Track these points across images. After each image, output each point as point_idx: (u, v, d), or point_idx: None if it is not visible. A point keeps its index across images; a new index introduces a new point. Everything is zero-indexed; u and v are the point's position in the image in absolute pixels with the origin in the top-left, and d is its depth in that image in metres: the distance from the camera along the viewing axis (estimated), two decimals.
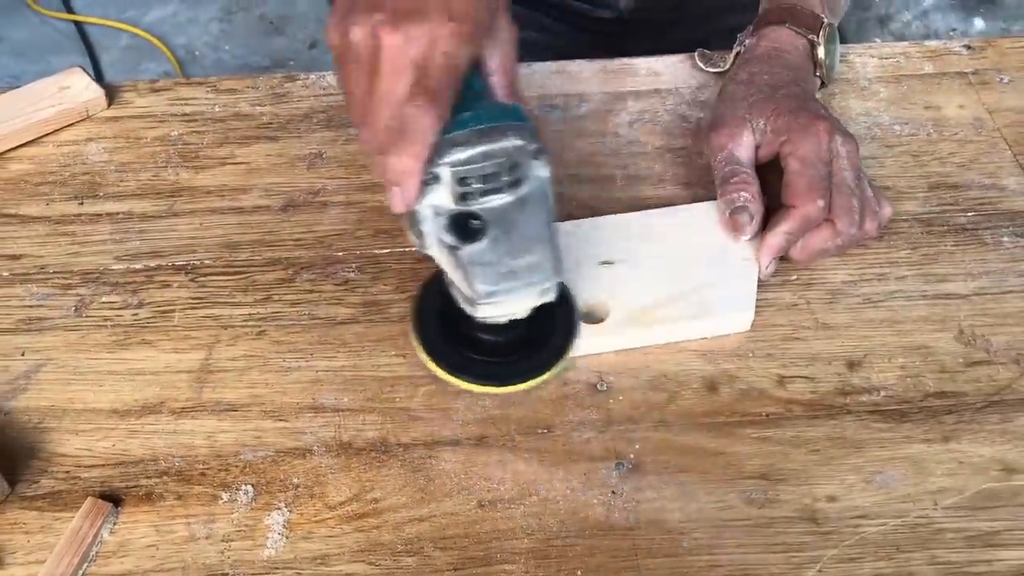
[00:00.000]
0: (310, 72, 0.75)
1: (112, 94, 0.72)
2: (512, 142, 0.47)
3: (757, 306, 0.61)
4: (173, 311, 0.60)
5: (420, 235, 0.50)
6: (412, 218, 0.50)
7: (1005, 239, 0.65)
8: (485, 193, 0.48)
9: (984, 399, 0.57)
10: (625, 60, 0.76)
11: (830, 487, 0.53)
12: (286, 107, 0.72)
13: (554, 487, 0.53)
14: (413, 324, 0.56)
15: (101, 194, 0.67)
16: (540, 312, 0.53)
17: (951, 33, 2.08)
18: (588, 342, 0.58)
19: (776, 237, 0.60)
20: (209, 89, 0.73)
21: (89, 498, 0.52)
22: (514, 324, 0.53)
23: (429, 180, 0.47)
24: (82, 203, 0.66)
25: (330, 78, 0.74)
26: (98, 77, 2.00)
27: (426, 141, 0.46)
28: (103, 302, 0.61)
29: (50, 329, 0.59)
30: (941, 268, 0.63)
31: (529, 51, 0.89)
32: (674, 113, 0.72)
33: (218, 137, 0.70)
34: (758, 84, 0.66)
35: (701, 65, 0.75)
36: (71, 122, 0.70)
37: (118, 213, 0.66)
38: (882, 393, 0.57)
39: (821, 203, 0.60)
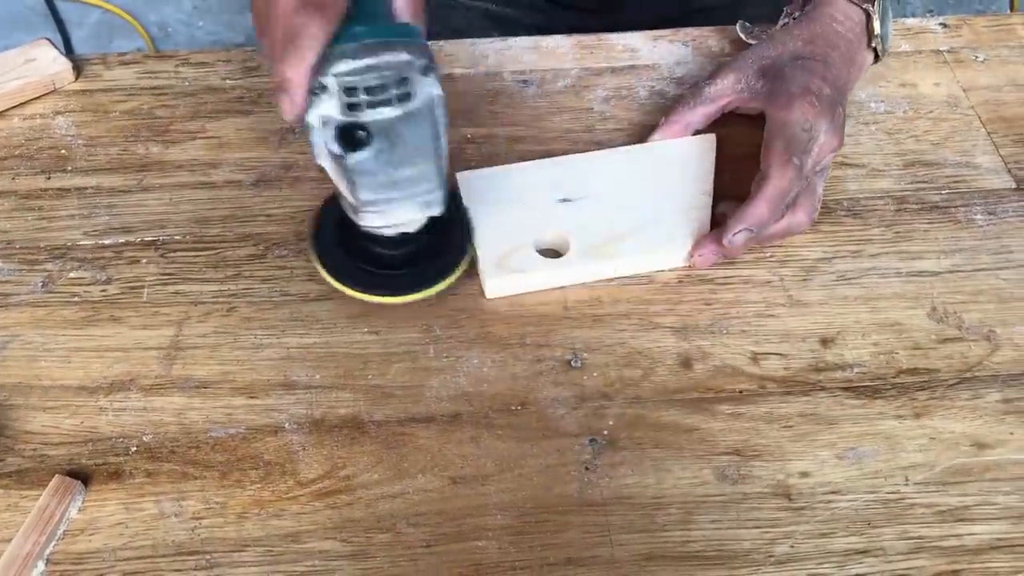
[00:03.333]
0: None
1: (80, 67, 0.71)
2: (400, 57, 0.49)
3: (731, 282, 0.61)
4: (142, 287, 0.60)
5: (312, 145, 0.52)
6: (304, 128, 0.52)
7: (978, 217, 0.65)
8: (372, 105, 0.50)
9: (956, 375, 0.57)
10: (602, 36, 0.75)
11: (803, 463, 0.54)
12: (258, 80, 0.71)
13: (528, 463, 0.53)
14: (311, 241, 0.58)
15: (69, 168, 0.65)
16: (440, 232, 0.57)
17: (927, 14, 2.08)
18: (550, 275, 0.60)
19: (753, 205, 0.60)
20: (180, 62, 0.72)
21: (56, 476, 0.51)
22: (406, 238, 0.55)
23: (317, 90, 0.50)
24: (49, 177, 0.65)
25: None
26: (69, 53, 1.99)
27: (311, 50, 0.49)
28: (71, 278, 0.60)
29: (16, 305, 0.58)
30: (915, 246, 0.63)
31: (508, 27, 0.89)
32: (651, 89, 0.72)
33: (188, 111, 0.69)
34: (782, 45, 0.66)
35: (742, 36, 0.73)
36: (37, 95, 0.69)
37: (86, 188, 0.64)
38: (855, 370, 0.57)
39: (796, 162, 0.59)
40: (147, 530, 0.50)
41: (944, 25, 0.78)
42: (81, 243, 0.61)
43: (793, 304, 0.60)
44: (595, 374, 0.57)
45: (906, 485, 0.53)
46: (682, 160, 0.65)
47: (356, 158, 0.51)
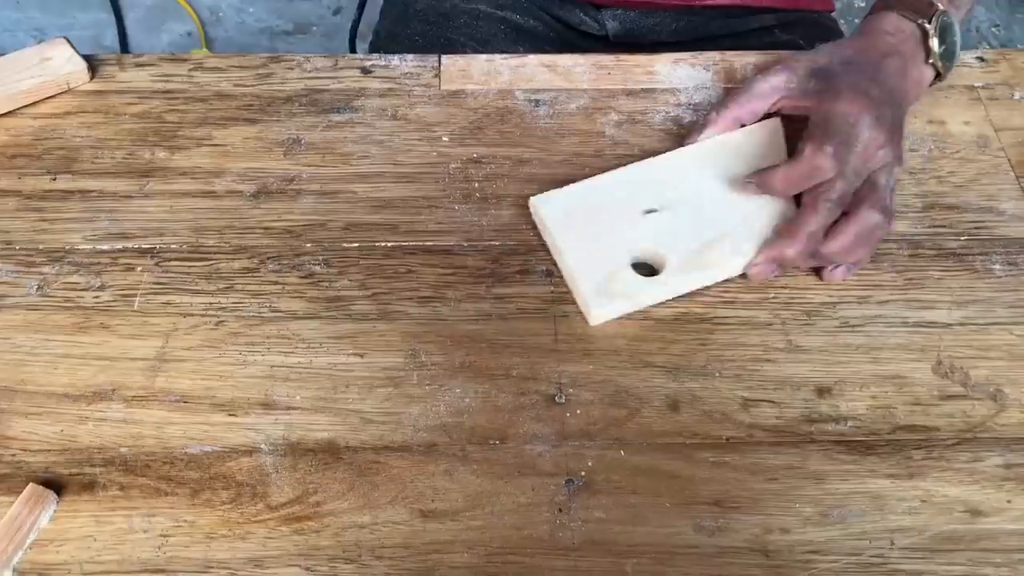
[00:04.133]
0: (296, 53, 0.74)
1: (95, 67, 0.71)
2: None
3: (729, 323, 0.59)
4: (134, 295, 0.60)
5: None
6: None
7: (996, 267, 0.62)
8: None
9: (956, 435, 0.55)
10: (621, 56, 0.74)
11: (785, 519, 0.52)
12: (269, 88, 0.71)
13: (500, 501, 0.52)
14: None
15: (75, 170, 0.66)
16: None
17: (993, 29, 2.01)
18: (654, 294, 0.59)
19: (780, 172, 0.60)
20: (194, 66, 0.72)
21: (31, 484, 0.51)
22: None
23: None
24: (55, 178, 0.65)
25: (316, 61, 0.72)
26: (122, 34, 2.01)
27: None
28: (66, 282, 0.60)
29: (10, 308, 0.59)
30: (926, 294, 0.61)
31: (534, 42, 0.88)
32: (666, 115, 0.70)
33: (198, 117, 0.69)
34: (834, 53, 0.65)
35: None
36: (51, 94, 0.69)
37: (91, 191, 0.65)
38: (850, 423, 0.55)
39: (830, 149, 0.58)
40: (115, 544, 0.50)
41: (981, 59, 0.74)
42: (79, 247, 0.62)
43: (792, 350, 0.58)
44: (578, 411, 0.56)
45: (891, 549, 0.51)
46: (754, 150, 0.64)
47: None
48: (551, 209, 0.62)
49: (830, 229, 0.59)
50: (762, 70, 0.66)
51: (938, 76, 0.67)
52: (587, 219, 0.61)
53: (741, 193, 0.62)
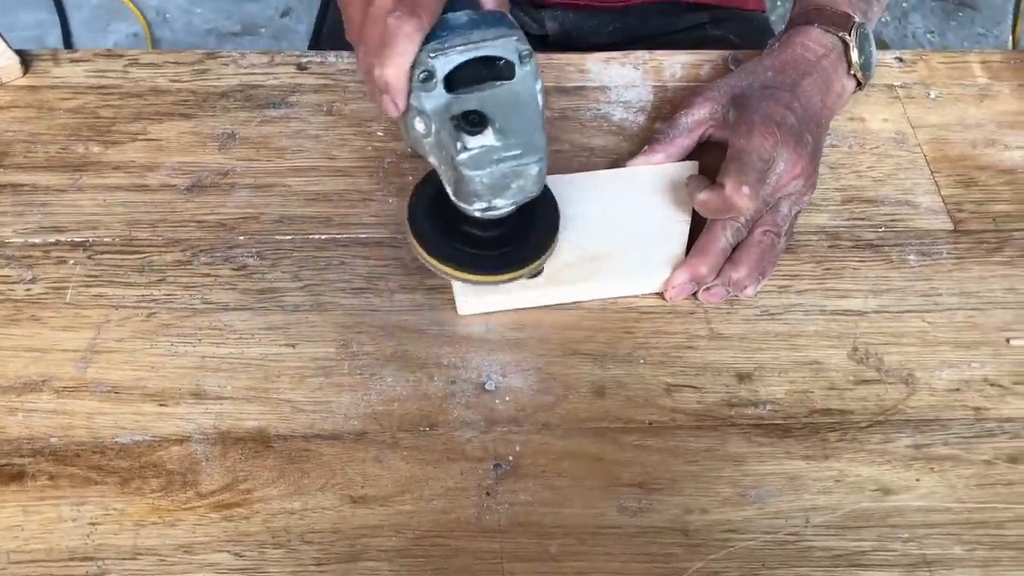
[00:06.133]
0: (250, 48, 0.74)
1: (29, 62, 0.71)
2: (499, 40, 0.51)
3: (654, 312, 0.61)
4: (66, 288, 0.60)
5: (415, 139, 0.54)
6: (406, 125, 0.53)
7: (911, 257, 0.65)
8: (479, 90, 0.52)
9: (869, 418, 0.57)
10: (552, 55, 0.75)
11: (704, 499, 0.54)
12: (204, 84, 0.71)
13: (429, 486, 0.53)
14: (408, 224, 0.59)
15: (7, 164, 0.66)
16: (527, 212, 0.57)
17: (928, 35, 2.07)
18: (522, 296, 0.60)
19: (701, 195, 0.61)
20: (129, 62, 0.72)
21: None
22: (503, 219, 0.56)
23: (420, 83, 0.51)
24: None
25: (252, 57, 0.73)
26: (66, 35, 1.99)
27: (408, 50, 0.50)
28: None
29: None
30: (843, 284, 0.63)
31: None
32: (596, 112, 0.72)
33: (133, 112, 0.69)
34: (754, 75, 0.67)
35: (732, 68, 0.74)
36: None
37: (23, 185, 0.65)
38: (768, 407, 0.57)
39: (746, 190, 0.59)
40: (43, 534, 0.51)
41: (900, 60, 0.77)
42: (11, 240, 0.62)
43: (714, 337, 0.60)
44: (507, 398, 0.57)
45: (806, 527, 0.53)
46: (664, 186, 0.65)
47: (479, 142, 0.51)
48: None
49: (733, 253, 0.61)
50: (686, 103, 0.68)
51: (859, 85, 0.70)
52: None
53: (635, 220, 0.63)
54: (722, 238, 0.61)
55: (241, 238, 0.63)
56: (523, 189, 0.54)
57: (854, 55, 0.68)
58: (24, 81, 0.71)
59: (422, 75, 0.51)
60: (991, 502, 0.54)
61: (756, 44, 0.77)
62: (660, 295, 0.62)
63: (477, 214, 0.54)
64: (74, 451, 0.53)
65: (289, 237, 0.63)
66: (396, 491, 0.53)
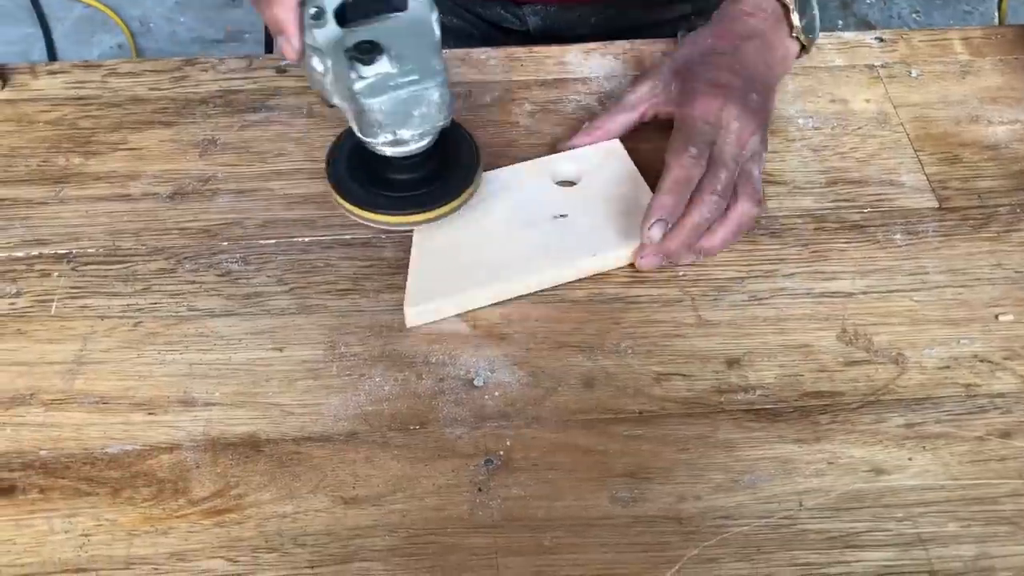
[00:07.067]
0: (238, 54, 0.74)
1: (7, 76, 0.71)
2: None
3: (640, 302, 0.61)
4: (51, 301, 0.60)
5: (315, 78, 0.55)
6: (305, 62, 0.54)
7: (897, 236, 0.65)
8: (370, 20, 0.53)
9: (860, 399, 0.57)
10: (533, 48, 0.75)
11: (697, 486, 0.54)
12: (184, 91, 0.71)
13: (421, 484, 0.53)
14: (327, 169, 0.61)
15: None
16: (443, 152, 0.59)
17: (914, 15, 2.07)
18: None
19: (656, 198, 0.60)
20: (108, 72, 0.72)
21: None
22: (418, 157, 0.57)
23: (313, 20, 0.52)
24: None
25: (231, 62, 0.73)
26: (50, 47, 1.98)
27: None
28: None
29: None
30: (830, 266, 0.63)
31: (462, 39, 0.89)
32: (577, 103, 0.72)
33: (113, 122, 0.69)
34: (695, 45, 0.67)
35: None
36: None
37: (4, 199, 0.65)
38: (758, 392, 0.57)
39: (694, 151, 0.60)
40: (35, 547, 0.50)
41: (880, 39, 0.77)
42: None
43: (702, 324, 0.60)
44: (497, 394, 0.57)
45: (800, 510, 0.53)
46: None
47: (374, 70, 0.52)
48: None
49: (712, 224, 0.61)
50: (630, 82, 0.68)
51: (803, 49, 0.70)
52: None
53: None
54: (697, 214, 0.60)
55: (225, 244, 0.63)
56: (427, 117, 0.54)
57: (795, 18, 0.68)
58: (3, 95, 0.70)
59: (312, 11, 0.52)
60: (985, 478, 0.54)
61: None
62: (640, 282, 0.62)
63: (387, 151, 0.55)
64: (64, 463, 0.53)
65: (273, 241, 0.63)
66: (388, 490, 0.53)
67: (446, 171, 0.60)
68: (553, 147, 0.69)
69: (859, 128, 0.71)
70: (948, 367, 0.58)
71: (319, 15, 0.52)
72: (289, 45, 0.53)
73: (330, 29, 0.52)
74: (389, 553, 0.51)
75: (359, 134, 0.55)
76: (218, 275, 0.61)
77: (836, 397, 0.57)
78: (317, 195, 0.65)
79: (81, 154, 0.67)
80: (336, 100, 0.55)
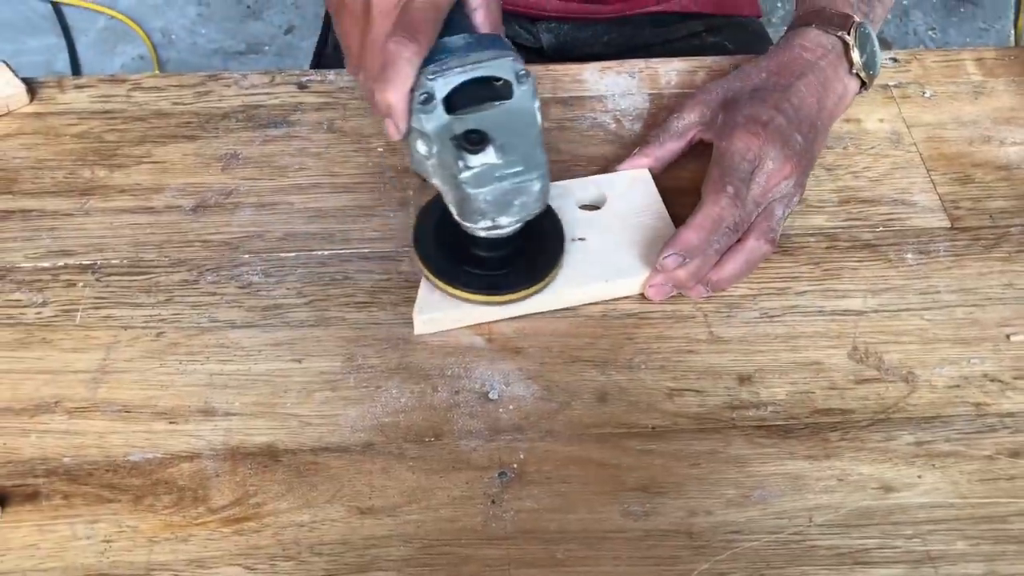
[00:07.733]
0: (257, 66, 0.75)
1: (35, 90, 0.73)
2: (496, 60, 0.53)
3: (653, 318, 0.62)
4: (76, 311, 0.61)
5: (418, 160, 0.55)
6: (409, 144, 0.55)
7: (908, 256, 0.65)
8: (478, 110, 0.53)
9: (870, 417, 0.58)
10: (550, 66, 0.76)
11: (708, 501, 0.54)
12: (207, 106, 0.72)
13: (436, 495, 0.54)
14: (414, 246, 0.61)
15: (15, 190, 0.67)
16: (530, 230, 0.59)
17: (930, 32, 2.07)
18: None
19: (683, 231, 0.60)
20: (133, 86, 0.74)
21: None
22: (508, 238, 0.57)
23: (421, 105, 0.52)
24: None
25: (253, 77, 0.74)
26: (74, 59, 2.01)
27: (408, 73, 0.52)
28: (8, 300, 0.61)
29: None
30: (842, 284, 0.64)
31: None
32: (593, 121, 0.73)
33: (137, 135, 0.71)
34: (748, 77, 0.67)
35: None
36: None
37: (31, 211, 0.66)
38: (769, 408, 0.58)
39: (731, 190, 0.60)
40: (58, 552, 0.52)
41: (894, 60, 0.78)
42: (20, 265, 0.63)
43: (714, 341, 0.61)
44: (511, 407, 0.58)
45: (809, 526, 0.54)
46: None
47: (480, 160, 0.53)
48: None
49: (722, 257, 0.61)
50: (678, 107, 0.68)
51: (863, 86, 0.69)
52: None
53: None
54: (709, 246, 0.60)
55: (246, 256, 0.64)
56: (526, 206, 0.55)
57: (855, 54, 0.67)
58: (30, 108, 0.72)
59: (422, 97, 0.52)
60: (994, 497, 0.55)
61: (753, 50, 0.77)
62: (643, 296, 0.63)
63: (482, 233, 0.55)
64: (87, 470, 0.54)
65: (293, 254, 0.64)
66: (403, 501, 0.54)
67: (531, 246, 0.61)
68: (571, 163, 0.70)
69: (872, 147, 0.72)
70: (958, 386, 0.59)
71: (428, 100, 0.52)
72: (395, 128, 0.54)
73: (438, 115, 0.53)
74: (404, 563, 0.52)
75: (458, 217, 0.56)
76: (239, 287, 0.62)
77: (847, 414, 0.58)
78: (336, 208, 0.67)
79: (106, 167, 0.69)
80: (436, 181, 0.56)
